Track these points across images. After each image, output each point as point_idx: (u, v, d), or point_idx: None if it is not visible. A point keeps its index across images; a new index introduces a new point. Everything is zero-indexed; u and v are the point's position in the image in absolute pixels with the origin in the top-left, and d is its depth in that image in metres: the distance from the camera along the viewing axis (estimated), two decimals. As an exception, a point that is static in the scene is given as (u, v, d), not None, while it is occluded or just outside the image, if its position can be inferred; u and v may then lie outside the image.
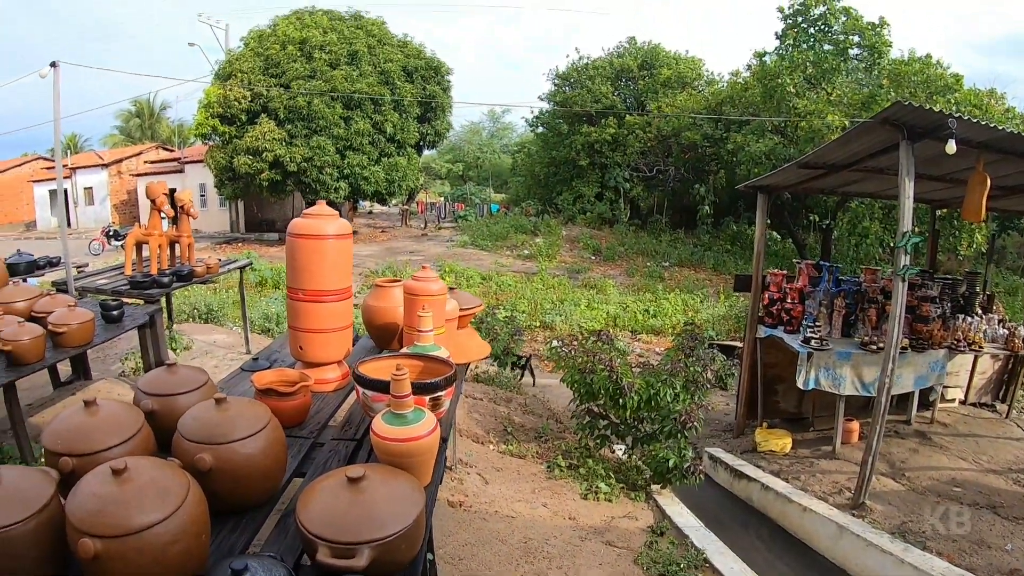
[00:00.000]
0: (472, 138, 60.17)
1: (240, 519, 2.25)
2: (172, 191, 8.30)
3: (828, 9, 24.91)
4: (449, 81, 32.03)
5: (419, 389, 2.69)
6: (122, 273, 8.16)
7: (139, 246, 8.22)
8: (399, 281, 4.36)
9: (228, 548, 2.10)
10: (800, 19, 25.66)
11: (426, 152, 39.46)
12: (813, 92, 23.50)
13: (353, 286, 3.90)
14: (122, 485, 1.80)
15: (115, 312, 5.94)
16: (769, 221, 28.23)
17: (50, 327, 5.11)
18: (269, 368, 4.06)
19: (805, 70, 23.58)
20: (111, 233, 30.11)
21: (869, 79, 23.92)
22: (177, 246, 8.38)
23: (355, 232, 33.37)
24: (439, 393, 2.81)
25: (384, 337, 4.40)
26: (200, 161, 35.38)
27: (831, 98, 22.33)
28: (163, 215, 8.06)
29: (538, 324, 17.20)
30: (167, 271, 7.75)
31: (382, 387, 2.76)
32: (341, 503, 1.99)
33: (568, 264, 25.43)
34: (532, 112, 39.72)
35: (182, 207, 8.22)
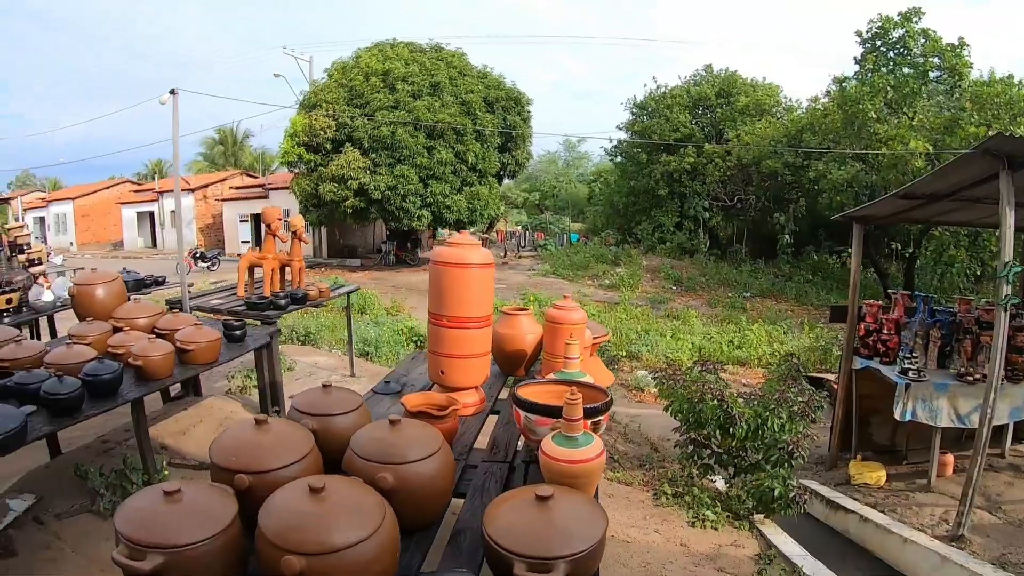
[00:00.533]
0: (548, 167, 60.49)
1: (411, 538, 2.28)
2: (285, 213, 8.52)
3: (907, 32, 24.50)
4: (529, 112, 32.21)
5: (585, 414, 2.70)
6: (233, 294, 8.40)
7: (251, 269, 8.41)
8: (526, 310, 4.54)
9: (405, 567, 2.12)
10: (879, 43, 25.28)
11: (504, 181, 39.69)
12: (894, 117, 22.91)
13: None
14: (321, 503, 1.84)
15: (238, 332, 6.06)
16: (850, 251, 28.04)
17: (178, 344, 5.21)
18: (400, 391, 4.13)
19: (886, 95, 23.02)
20: (198, 255, 31.08)
21: (950, 102, 23.13)
22: (288, 269, 8.53)
23: (436, 259, 34.24)
24: (599, 418, 2.87)
25: (512, 363, 4.52)
26: (283, 188, 36.31)
27: (912, 123, 21.68)
28: (277, 238, 8.20)
29: (624, 354, 17.02)
30: (281, 294, 7.89)
31: (548, 411, 2.84)
32: (532, 520, 2.01)
33: (650, 294, 25.20)
34: (611, 142, 39.84)
35: (295, 232, 8.42)
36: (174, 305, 7.88)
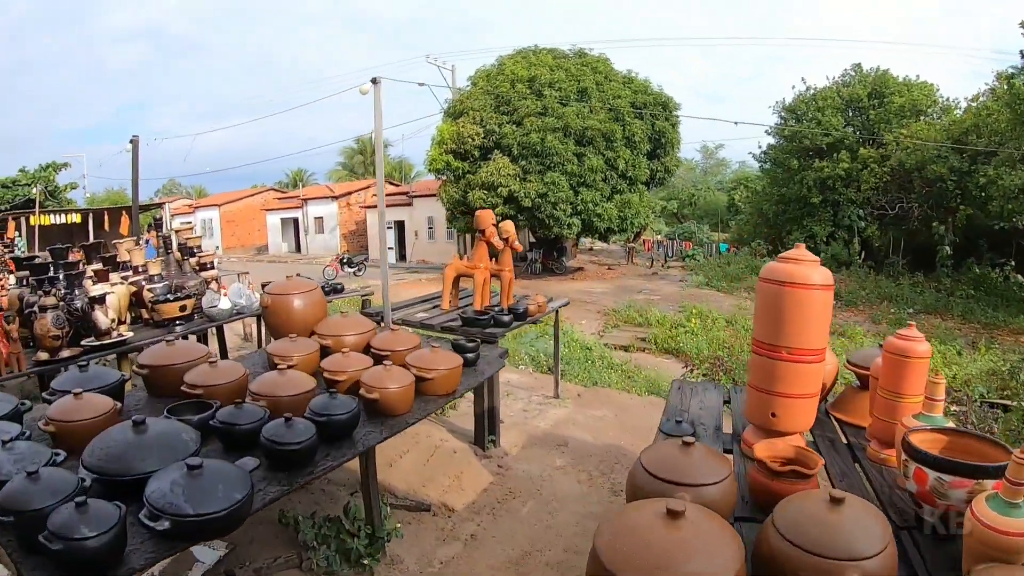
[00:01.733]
0: (686, 175, 59.10)
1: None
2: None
3: (1085, 21, 22.32)
4: (677, 117, 31.30)
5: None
6: (436, 306, 8.00)
7: (457, 279, 7.98)
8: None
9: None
10: (1047, 32, 23.18)
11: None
12: None
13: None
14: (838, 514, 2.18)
15: (472, 355, 5.29)
16: (1013, 264, 26.01)
17: (415, 371, 4.50)
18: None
19: None
20: (344, 260, 31.57)
21: None
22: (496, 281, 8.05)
23: (580, 268, 33.64)
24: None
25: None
26: (427, 195, 36.58)
27: None
28: (491, 245, 7.73)
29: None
30: (498, 308, 7.41)
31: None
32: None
33: (808, 307, 24.02)
34: (760, 147, 38.48)
35: (506, 239, 7.78)
36: (371, 317, 7.49)
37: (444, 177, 30.24)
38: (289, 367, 4.29)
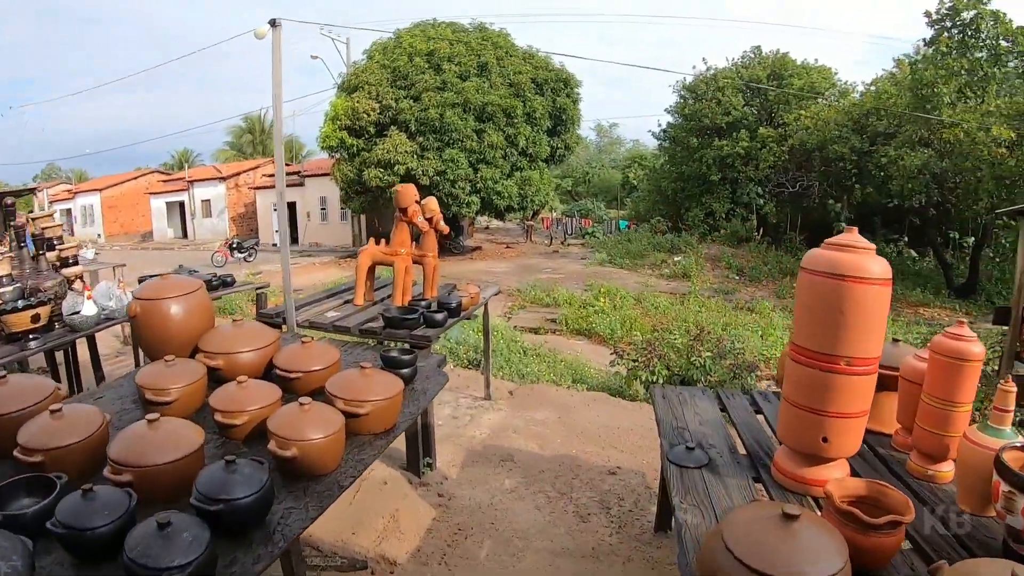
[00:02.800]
0: (581, 153, 59.07)
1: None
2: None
3: (979, 13, 22.98)
4: (578, 94, 30.60)
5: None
6: (347, 301, 6.66)
7: (372, 268, 6.63)
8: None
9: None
10: (948, 23, 23.85)
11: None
12: (962, 102, 22.09)
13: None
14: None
15: (407, 369, 3.91)
16: (906, 238, 26.88)
17: (342, 406, 3.16)
18: (709, 463, 2.87)
19: (960, 78, 22.12)
20: (234, 245, 29.77)
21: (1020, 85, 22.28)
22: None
23: (479, 247, 32.77)
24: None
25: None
26: (319, 175, 35.00)
27: (990, 108, 20.49)
28: (414, 226, 6.35)
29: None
30: (426, 302, 6.15)
31: None
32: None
33: (714, 285, 23.77)
34: (659, 125, 38.51)
35: (430, 218, 6.41)
36: (269, 321, 6.14)
37: (338, 155, 28.91)
38: (166, 404, 3.13)
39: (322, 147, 29.00)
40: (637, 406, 8.73)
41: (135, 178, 51.82)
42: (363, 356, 4.43)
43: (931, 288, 23.66)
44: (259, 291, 8.42)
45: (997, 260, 23.35)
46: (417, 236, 6.51)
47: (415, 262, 6.49)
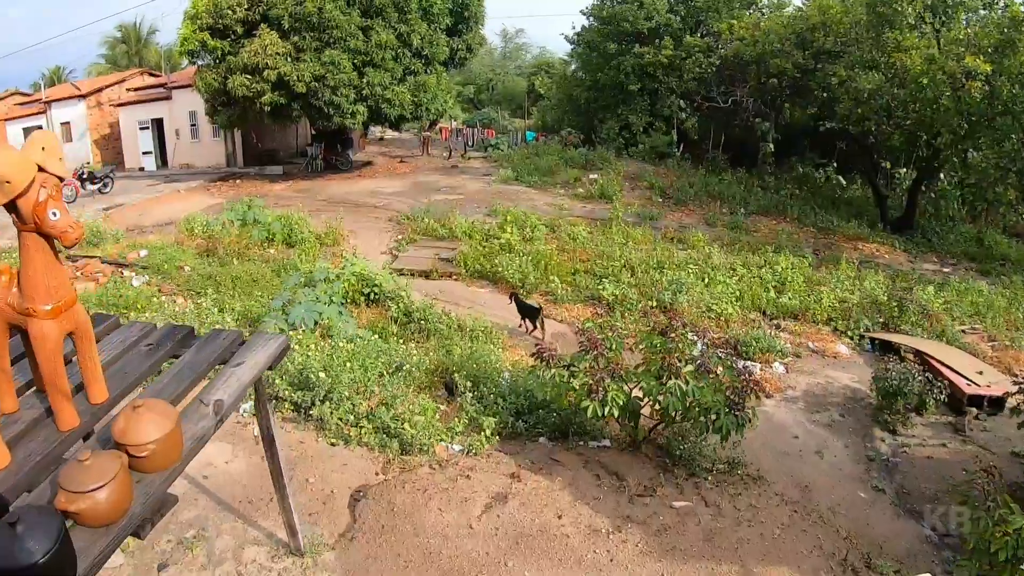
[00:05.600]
0: (484, 59, 56.05)
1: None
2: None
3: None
4: (484, -14, 27.30)
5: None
6: None
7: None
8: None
9: None
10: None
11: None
12: (927, 25, 20.65)
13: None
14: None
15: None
16: (835, 164, 27.72)
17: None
18: None
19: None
20: (83, 175, 25.38)
21: (995, 19, 20.18)
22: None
23: (369, 163, 29.16)
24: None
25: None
26: (188, 85, 30.75)
27: (959, 36, 18.84)
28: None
29: (654, 305, 12.78)
30: None
31: None
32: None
33: (636, 208, 20.98)
34: (573, 28, 35.34)
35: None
36: None
37: (201, 61, 25.20)
38: None
39: (180, 51, 25.31)
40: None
41: (-9, 101, 46.59)
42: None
43: (866, 221, 22.37)
44: None
45: (933, 196, 22.99)
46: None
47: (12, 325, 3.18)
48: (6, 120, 42.61)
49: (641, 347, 7.92)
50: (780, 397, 10.33)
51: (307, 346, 9.06)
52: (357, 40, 22.91)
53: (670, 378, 6.85)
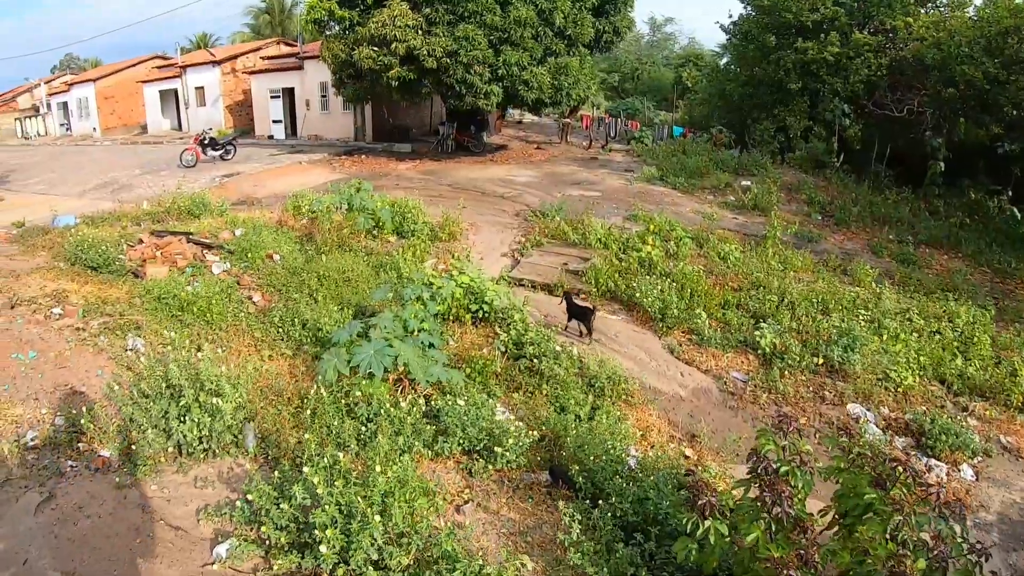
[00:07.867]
0: (630, 46, 54.05)
1: None
2: None
3: None
4: (639, -36, 25.20)
5: None
6: None
7: None
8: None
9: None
10: None
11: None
12: None
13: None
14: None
15: None
16: (1011, 193, 24.44)
17: None
18: None
19: None
20: (206, 140, 24.70)
21: None
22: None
23: (504, 147, 27.10)
24: None
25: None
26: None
27: None
28: None
29: (820, 362, 10.26)
30: None
31: None
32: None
33: (792, 224, 18.20)
34: (730, 16, 32.52)
35: None
36: None
37: (329, 31, 24.39)
38: None
39: (306, 20, 24.51)
40: None
41: (132, 66, 48.12)
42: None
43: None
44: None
45: None
46: None
47: None
48: (145, 82, 44.70)
49: (832, 479, 5.23)
50: (971, 521, 7.27)
51: (373, 397, 7.10)
52: (494, 15, 21.38)
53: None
